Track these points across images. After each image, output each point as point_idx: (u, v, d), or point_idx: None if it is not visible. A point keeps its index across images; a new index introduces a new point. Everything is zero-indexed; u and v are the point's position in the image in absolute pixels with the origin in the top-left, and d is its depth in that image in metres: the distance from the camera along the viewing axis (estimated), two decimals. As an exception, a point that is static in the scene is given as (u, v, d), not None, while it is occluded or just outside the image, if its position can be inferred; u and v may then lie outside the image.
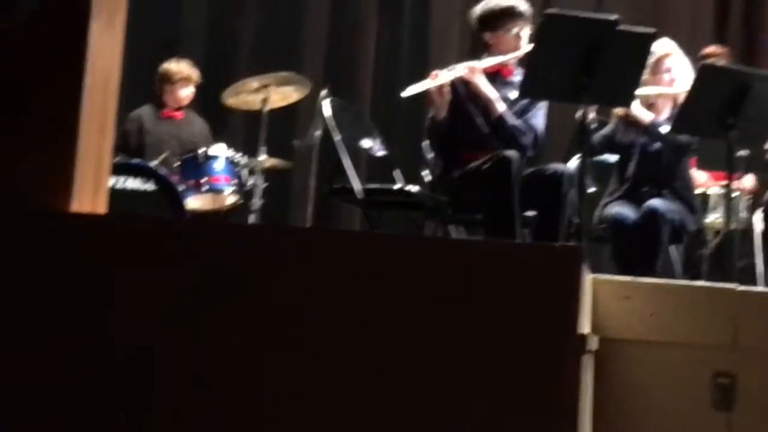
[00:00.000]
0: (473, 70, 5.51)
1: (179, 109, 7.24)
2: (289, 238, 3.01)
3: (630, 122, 5.81)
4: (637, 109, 5.67)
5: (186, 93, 7.19)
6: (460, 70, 5.52)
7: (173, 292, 2.83)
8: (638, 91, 5.34)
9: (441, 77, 5.47)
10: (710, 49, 7.27)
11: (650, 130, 5.70)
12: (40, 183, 2.90)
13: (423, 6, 8.38)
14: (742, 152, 5.89)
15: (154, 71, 7.23)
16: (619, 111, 5.83)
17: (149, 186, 6.40)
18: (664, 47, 5.74)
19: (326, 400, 2.78)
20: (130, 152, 6.93)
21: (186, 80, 7.16)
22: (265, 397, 2.79)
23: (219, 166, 6.74)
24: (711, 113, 5.06)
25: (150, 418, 2.78)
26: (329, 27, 8.38)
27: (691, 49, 6.65)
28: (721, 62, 6.61)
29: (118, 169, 6.23)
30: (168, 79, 7.14)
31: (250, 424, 2.78)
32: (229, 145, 6.92)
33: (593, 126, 5.59)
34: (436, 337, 2.77)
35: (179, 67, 7.16)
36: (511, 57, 5.57)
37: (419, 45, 8.32)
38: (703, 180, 6.32)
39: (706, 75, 5.16)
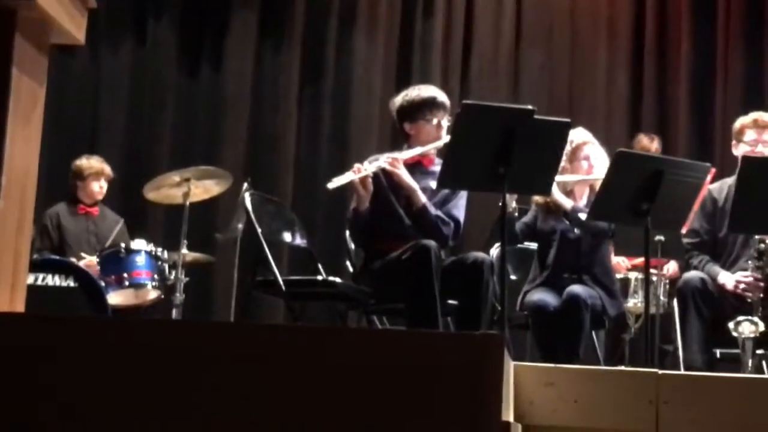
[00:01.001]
0: (395, 162, 5.54)
1: (94, 204, 7.23)
2: (211, 333, 2.98)
3: (550, 209, 5.89)
4: (557, 195, 5.75)
5: (98, 188, 7.20)
6: (382, 161, 5.55)
7: (96, 388, 2.78)
8: (557, 178, 5.42)
9: (364, 169, 5.50)
10: (644, 141, 7.45)
11: (570, 216, 5.78)
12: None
13: (343, 97, 8.46)
14: (659, 237, 5.96)
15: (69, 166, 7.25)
16: (538, 199, 5.91)
17: (69, 282, 6.33)
18: (581, 136, 5.86)
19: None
20: (50, 249, 6.89)
21: (97, 175, 7.17)
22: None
23: (140, 260, 6.71)
24: (626, 199, 5.12)
25: None
26: (249, 120, 8.43)
27: (606, 138, 6.79)
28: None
29: (37, 266, 6.17)
30: (79, 175, 7.17)
31: None
32: (150, 240, 6.91)
33: (515, 214, 5.66)
34: (360, 425, 2.75)
35: (90, 162, 7.19)
36: (431, 147, 5.62)
37: (339, 136, 8.40)
38: (624, 266, 6.41)
39: (621, 161, 5.23)
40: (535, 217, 5.97)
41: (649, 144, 7.43)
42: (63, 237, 7.07)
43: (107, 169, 7.24)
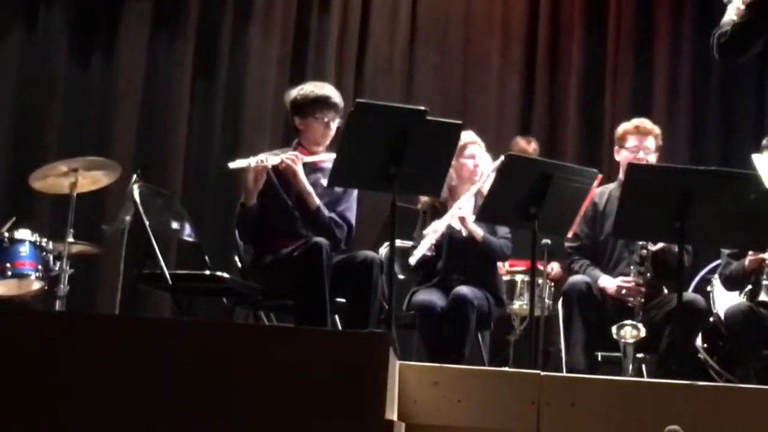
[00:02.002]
0: (296, 160, 5.52)
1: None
2: (94, 326, 2.95)
3: (437, 210, 5.93)
4: (471, 225, 5.77)
5: None
6: (285, 157, 5.53)
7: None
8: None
9: (267, 159, 5.47)
10: (521, 144, 7.52)
11: (480, 246, 5.81)
12: None
13: (236, 91, 8.40)
14: (545, 241, 6.04)
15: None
16: (425, 200, 5.95)
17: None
18: (467, 136, 5.88)
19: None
20: None
21: None
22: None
23: (24, 250, 6.59)
24: (515, 203, 5.17)
25: None
26: (140, 110, 8.32)
27: (497, 141, 6.86)
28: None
29: None
30: None
31: None
32: (35, 230, 6.77)
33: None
34: (244, 421, 2.74)
35: None
36: (330, 156, 5.50)
37: (231, 130, 8.34)
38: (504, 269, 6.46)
39: (509, 165, 5.28)
40: (423, 223, 5.99)
41: (527, 146, 7.51)
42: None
43: None
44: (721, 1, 4.70)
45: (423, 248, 5.64)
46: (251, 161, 5.45)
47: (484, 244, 5.80)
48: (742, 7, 4.58)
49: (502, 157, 5.82)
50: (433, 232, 5.73)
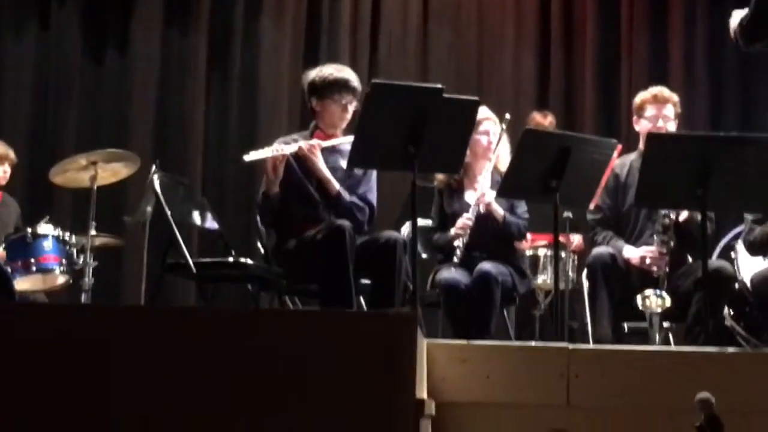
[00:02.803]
0: (313, 149, 5.53)
1: (-2, 189, 7.13)
2: (122, 318, 2.96)
3: (453, 189, 5.94)
4: (494, 204, 5.77)
5: (2, 172, 7.06)
6: (301, 143, 5.54)
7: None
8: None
9: (284, 148, 5.48)
10: (537, 118, 7.50)
11: (503, 224, 5.81)
12: None
13: (251, 79, 8.42)
14: (567, 214, 6.03)
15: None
16: (441, 178, 5.95)
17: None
18: (482, 112, 5.86)
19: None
20: None
21: (0, 160, 7.03)
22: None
23: (48, 245, 6.62)
24: (535, 177, 5.16)
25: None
26: (157, 101, 8.35)
27: (515, 114, 6.84)
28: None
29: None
30: None
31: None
32: (57, 224, 6.80)
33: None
34: (276, 406, 2.75)
35: None
36: (347, 140, 5.54)
37: (248, 118, 8.36)
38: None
39: (529, 140, 5.27)
40: (441, 202, 6.00)
41: (543, 120, 7.49)
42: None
43: (11, 154, 7.12)
44: None
45: (263, 153, 5.48)
46: (267, 152, 5.45)
47: (504, 223, 5.80)
48: None
49: (503, 124, 5.85)
50: (462, 228, 5.74)
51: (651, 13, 8.43)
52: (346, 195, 5.56)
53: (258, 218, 5.82)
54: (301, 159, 5.55)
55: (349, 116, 5.62)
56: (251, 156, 5.46)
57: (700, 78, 8.34)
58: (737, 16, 4.78)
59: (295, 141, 5.63)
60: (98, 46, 8.45)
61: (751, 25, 4.54)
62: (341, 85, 5.62)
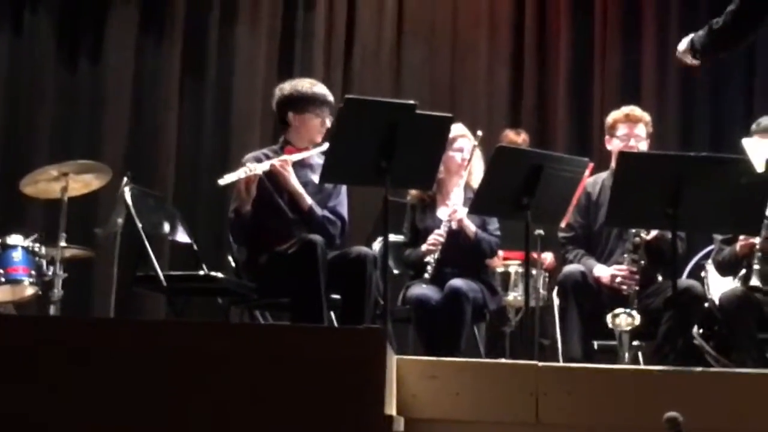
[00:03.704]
0: (284, 164, 5.54)
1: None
2: (90, 330, 2.96)
3: (426, 204, 5.96)
4: (466, 221, 5.79)
5: None
6: (275, 161, 5.55)
7: None
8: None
9: (254, 169, 5.49)
10: (510, 136, 7.52)
11: (473, 241, 5.83)
12: None
13: (225, 90, 8.42)
14: (539, 231, 6.05)
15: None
16: (414, 194, 5.97)
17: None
18: (456, 129, 5.89)
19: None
20: None
21: None
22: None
23: (17, 256, 6.60)
24: (507, 194, 5.18)
25: None
26: (130, 112, 8.34)
27: (488, 130, 6.86)
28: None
29: None
30: None
31: None
32: (27, 235, 6.77)
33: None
34: (245, 420, 2.76)
35: None
36: (316, 151, 5.60)
37: (222, 129, 8.35)
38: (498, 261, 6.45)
39: (501, 157, 5.29)
40: (413, 218, 6.02)
41: (516, 137, 7.50)
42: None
43: None
44: None
45: (236, 175, 5.47)
46: (240, 173, 5.46)
47: (476, 240, 5.82)
48: None
49: (476, 141, 5.89)
50: (434, 244, 5.77)
51: (623, 32, 8.47)
52: (317, 209, 5.57)
53: (230, 234, 5.82)
54: (272, 175, 5.56)
55: (325, 130, 5.64)
56: (225, 179, 5.46)
57: (671, 96, 8.38)
58: (686, 41, 4.81)
59: (267, 156, 5.64)
60: (72, 53, 8.42)
61: (735, 23, 4.53)
62: (320, 100, 5.64)
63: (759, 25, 4.53)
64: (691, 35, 4.75)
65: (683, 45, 4.85)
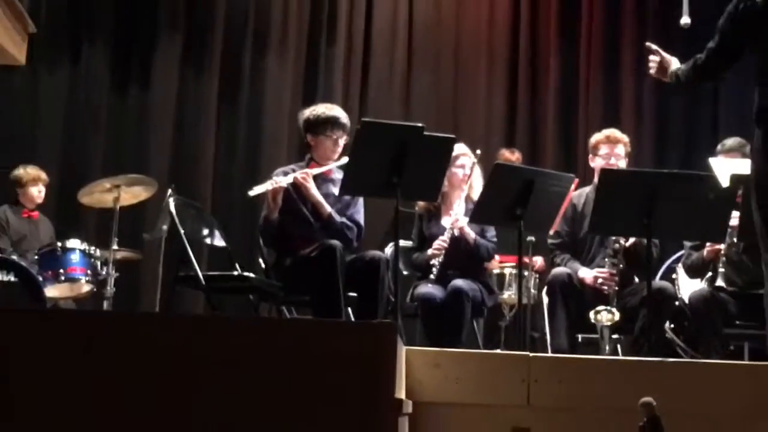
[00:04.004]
0: (306, 177, 5.55)
1: (35, 209, 7.15)
2: (139, 323, 2.96)
3: (432, 214, 5.96)
4: (466, 228, 5.79)
5: (36, 192, 7.12)
6: (298, 174, 5.56)
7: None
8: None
9: (279, 182, 5.51)
10: (505, 154, 7.51)
11: (473, 246, 5.83)
12: None
13: (256, 113, 8.42)
14: (530, 238, 6.04)
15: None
16: (422, 204, 5.97)
17: (10, 277, 6.22)
18: (459, 148, 5.89)
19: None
20: (9, 244, 6.83)
21: (34, 181, 7.09)
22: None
23: (75, 257, 6.63)
24: (503, 206, 5.18)
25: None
26: (173, 132, 8.35)
27: (486, 149, 6.86)
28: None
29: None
30: (18, 183, 7.11)
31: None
32: (84, 239, 6.80)
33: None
34: (269, 407, 2.75)
35: (26, 170, 7.13)
36: (334, 165, 5.63)
37: (253, 147, 8.35)
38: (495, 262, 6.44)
39: (498, 173, 5.29)
40: (420, 226, 6.02)
41: (511, 156, 7.50)
42: (9, 235, 6.96)
43: (43, 175, 7.16)
44: (682, 26, 4.67)
45: (264, 187, 5.53)
46: (267, 185, 5.48)
47: (475, 246, 5.82)
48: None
49: (475, 158, 5.88)
50: (438, 248, 5.77)
51: (605, 63, 8.46)
52: (336, 216, 5.57)
53: (260, 238, 5.83)
54: (297, 187, 5.57)
55: (339, 149, 5.64)
56: (254, 191, 5.49)
57: (647, 120, 8.36)
58: (671, 72, 4.78)
59: (293, 170, 5.66)
60: (122, 81, 8.44)
61: (716, 59, 4.50)
62: (332, 122, 5.64)
63: (736, 61, 4.50)
64: (675, 67, 4.72)
65: (669, 77, 4.80)
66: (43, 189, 7.15)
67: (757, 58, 4.41)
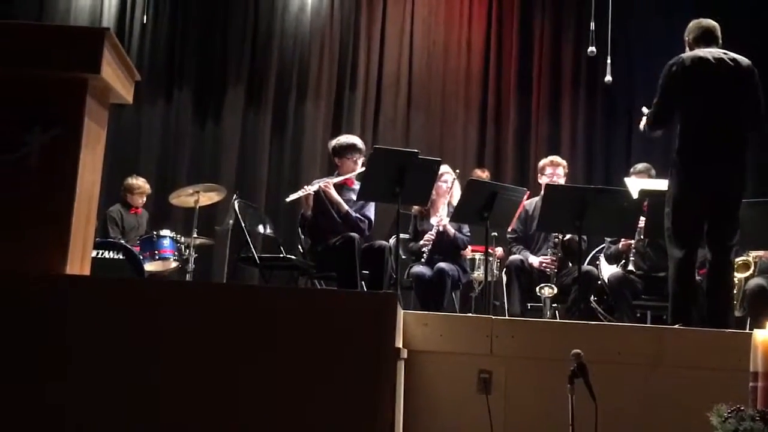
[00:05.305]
0: (328, 185, 5.56)
1: (138, 208, 7.15)
2: (214, 291, 2.95)
3: (424, 215, 5.94)
4: (448, 226, 5.77)
5: (142, 200, 7.11)
6: (321, 183, 5.57)
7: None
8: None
9: (309, 188, 5.52)
10: (477, 172, 7.50)
11: (454, 239, 5.80)
12: (47, 255, 2.79)
13: (298, 142, 8.42)
14: (494, 233, 6.03)
15: (121, 182, 7.15)
16: (416, 208, 5.95)
17: (119, 256, 6.23)
18: (444, 168, 5.88)
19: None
20: (120, 234, 6.82)
21: (142, 193, 7.09)
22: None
23: (166, 242, 6.64)
24: (475, 209, 5.18)
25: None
26: (238, 154, 8.35)
27: (463, 169, 6.82)
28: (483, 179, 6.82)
29: (98, 245, 6.08)
30: (130, 190, 7.08)
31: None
32: (173, 229, 6.81)
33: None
34: (308, 348, 2.73)
35: (138, 182, 7.11)
36: (350, 176, 5.63)
37: (295, 167, 8.34)
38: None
39: (471, 186, 5.29)
40: (415, 223, 6.01)
41: (482, 174, 7.48)
42: (123, 227, 6.98)
43: (148, 188, 7.18)
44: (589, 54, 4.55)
45: (298, 194, 5.53)
46: (300, 193, 5.49)
47: (454, 238, 5.81)
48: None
49: (455, 176, 5.86)
50: (428, 240, 5.74)
51: (550, 109, 8.45)
52: (352, 213, 5.57)
53: (299, 229, 5.83)
54: (324, 192, 5.57)
55: (358, 168, 5.64)
56: (291, 197, 5.50)
57: (580, 150, 8.35)
58: (641, 125, 4.67)
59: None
60: (202, 117, 8.44)
61: (657, 114, 4.39)
62: (352, 148, 5.65)
63: (675, 113, 4.39)
64: (643, 122, 4.59)
65: (641, 129, 4.66)
66: (145, 198, 7.16)
67: (681, 109, 4.32)
